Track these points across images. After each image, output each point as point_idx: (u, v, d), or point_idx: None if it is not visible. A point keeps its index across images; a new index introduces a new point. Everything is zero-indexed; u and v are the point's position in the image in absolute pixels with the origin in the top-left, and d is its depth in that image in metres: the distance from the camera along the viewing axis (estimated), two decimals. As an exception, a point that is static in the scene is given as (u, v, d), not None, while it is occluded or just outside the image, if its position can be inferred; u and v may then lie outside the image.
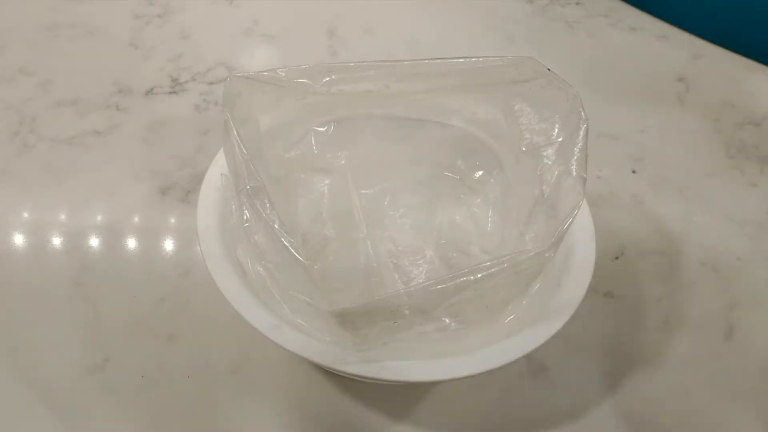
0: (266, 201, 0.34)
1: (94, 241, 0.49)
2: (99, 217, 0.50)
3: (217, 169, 0.41)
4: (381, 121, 0.45)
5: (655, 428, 0.42)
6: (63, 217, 0.50)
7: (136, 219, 0.50)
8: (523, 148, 0.40)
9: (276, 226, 0.33)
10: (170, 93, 0.61)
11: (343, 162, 0.47)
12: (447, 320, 0.34)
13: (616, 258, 0.50)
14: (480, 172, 0.47)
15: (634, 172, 0.57)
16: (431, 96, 0.42)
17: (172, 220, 0.51)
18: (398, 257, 0.46)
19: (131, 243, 0.49)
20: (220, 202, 0.39)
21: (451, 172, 0.47)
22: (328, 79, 0.39)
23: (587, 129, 0.35)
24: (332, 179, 0.47)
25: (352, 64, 0.39)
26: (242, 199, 0.35)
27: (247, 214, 0.35)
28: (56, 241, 0.49)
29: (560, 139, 0.37)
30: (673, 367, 0.44)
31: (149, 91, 0.61)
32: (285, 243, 0.33)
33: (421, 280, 0.45)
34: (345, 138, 0.46)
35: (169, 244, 0.49)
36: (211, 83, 0.62)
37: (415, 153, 0.47)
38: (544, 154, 0.38)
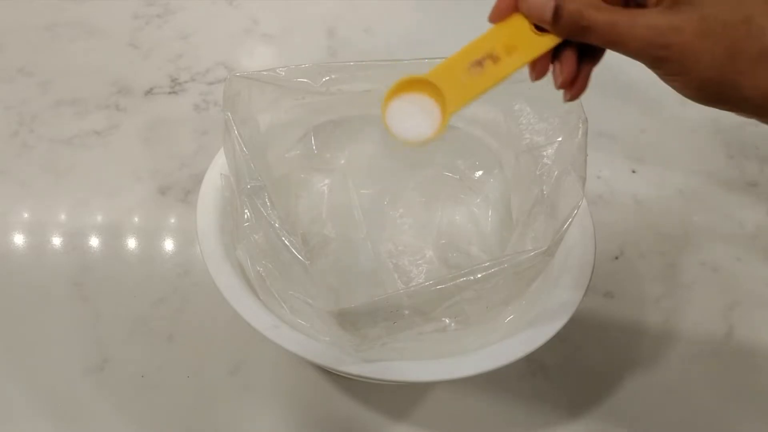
0: (267, 200, 0.34)
1: (94, 241, 0.49)
2: (99, 217, 0.50)
3: (217, 169, 0.41)
4: (380, 121, 0.45)
5: (655, 428, 0.42)
6: (63, 217, 0.50)
7: (136, 219, 0.50)
8: (523, 148, 0.40)
9: (276, 225, 0.33)
10: (170, 93, 0.61)
11: (342, 162, 0.47)
12: (447, 320, 0.34)
13: (616, 258, 0.50)
14: (480, 172, 0.46)
15: (634, 172, 0.57)
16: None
17: (172, 220, 0.50)
18: (398, 257, 0.46)
19: (131, 243, 0.49)
20: (220, 202, 0.39)
21: (451, 172, 0.47)
22: (327, 78, 0.39)
23: (586, 129, 0.35)
24: (332, 179, 0.47)
25: (351, 63, 0.39)
26: (243, 198, 0.35)
27: (247, 213, 0.35)
28: (56, 241, 0.49)
29: (559, 139, 0.37)
30: (673, 367, 0.44)
31: (149, 91, 0.61)
32: (285, 242, 0.33)
33: (420, 281, 0.45)
34: (345, 138, 0.46)
35: (168, 244, 0.49)
36: (210, 83, 0.62)
37: (414, 153, 0.47)
38: (544, 154, 0.38)
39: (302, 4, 0.72)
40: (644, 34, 0.26)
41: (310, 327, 0.34)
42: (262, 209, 0.34)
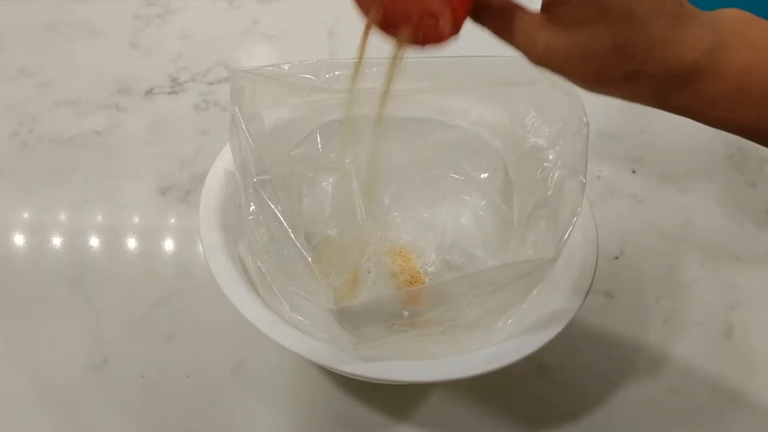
0: (273, 194, 0.34)
1: (94, 241, 0.49)
2: (99, 217, 0.50)
3: (221, 165, 0.41)
4: (386, 121, 0.45)
5: (656, 428, 0.42)
6: (63, 217, 0.50)
7: (136, 219, 0.50)
8: (526, 151, 0.40)
9: (282, 218, 0.33)
10: (170, 93, 0.61)
11: (347, 161, 0.46)
12: (446, 322, 0.34)
13: (616, 258, 0.50)
14: (485, 174, 0.46)
15: (634, 172, 0.57)
16: (436, 95, 0.42)
17: (172, 220, 0.50)
18: (401, 258, 0.46)
19: (131, 243, 0.49)
20: (223, 198, 0.39)
21: (456, 173, 0.47)
22: (330, 75, 0.39)
23: (588, 133, 0.35)
24: (336, 178, 0.47)
25: (354, 60, 0.39)
26: (249, 192, 0.34)
27: (253, 206, 0.35)
28: (56, 241, 0.49)
29: (561, 142, 0.37)
30: (673, 367, 0.44)
31: (149, 91, 0.61)
32: (291, 235, 0.33)
33: (422, 282, 0.45)
34: (350, 137, 0.45)
35: (169, 244, 0.49)
36: (210, 83, 0.62)
37: (420, 153, 0.46)
38: (546, 156, 0.38)
39: (302, 4, 0.72)
40: (521, 44, 0.28)
41: (310, 324, 0.34)
42: (269, 201, 0.34)
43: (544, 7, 0.27)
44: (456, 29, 0.28)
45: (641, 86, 0.27)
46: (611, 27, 0.26)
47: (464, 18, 0.28)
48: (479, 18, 0.29)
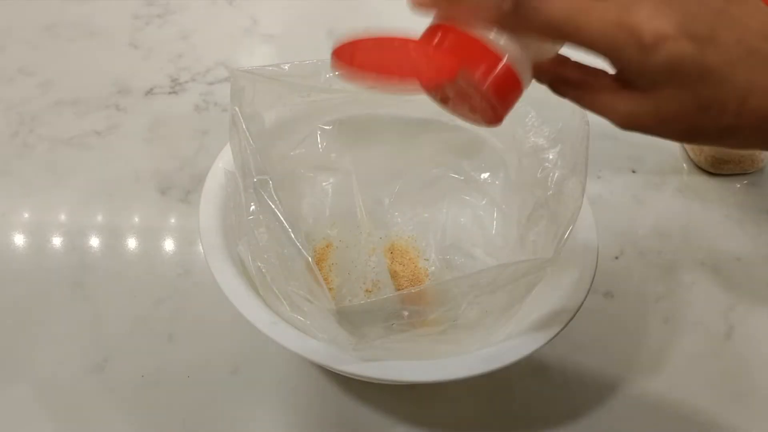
0: (273, 193, 0.34)
1: (94, 241, 0.49)
2: (99, 217, 0.50)
3: (221, 165, 0.41)
4: (386, 121, 0.45)
5: (656, 428, 0.42)
6: (63, 217, 0.50)
7: (136, 219, 0.50)
8: (527, 151, 0.40)
9: (282, 218, 0.33)
10: (170, 93, 0.61)
11: (348, 161, 0.47)
12: (446, 322, 0.34)
13: (616, 258, 0.50)
14: (486, 174, 0.46)
15: (634, 172, 0.57)
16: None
17: (172, 220, 0.50)
18: (400, 258, 0.46)
19: (131, 243, 0.49)
20: (223, 198, 0.39)
21: (456, 173, 0.47)
22: (330, 75, 0.39)
23: (588, 133, 0.35)
24: (336, 178, 0.47)
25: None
26: (249, 192, 0.35)
27: (253, 206, 0.35)
28: (56, 241, 0.49)
29: (562, 143, 0.37)
30: (673, 367, 0.44)
31: (149, 91, 0.61)
32: (291, 235, 0.33)
33: (422, 282, 0.45)
34: (350, 137, 0.45)
35: (169, 244, 0.49)
36: (210, 83, 0.62)
37: (420, 153, 0.47)
38: (546, 156, 0.38)
39: (302, 4, 0.72)
40: (604, 114, 0.27)
41: (309, 324, 0.34)
42: (269, 201, 0.34)
43: (618, 73, 0.26)
44: (496, 122, 0.29)
45: (744, 138, 0.25)
46: (687, 88, 0.24)
47: (505, 114, 0.29)
48: (560, 91, 0.28)
